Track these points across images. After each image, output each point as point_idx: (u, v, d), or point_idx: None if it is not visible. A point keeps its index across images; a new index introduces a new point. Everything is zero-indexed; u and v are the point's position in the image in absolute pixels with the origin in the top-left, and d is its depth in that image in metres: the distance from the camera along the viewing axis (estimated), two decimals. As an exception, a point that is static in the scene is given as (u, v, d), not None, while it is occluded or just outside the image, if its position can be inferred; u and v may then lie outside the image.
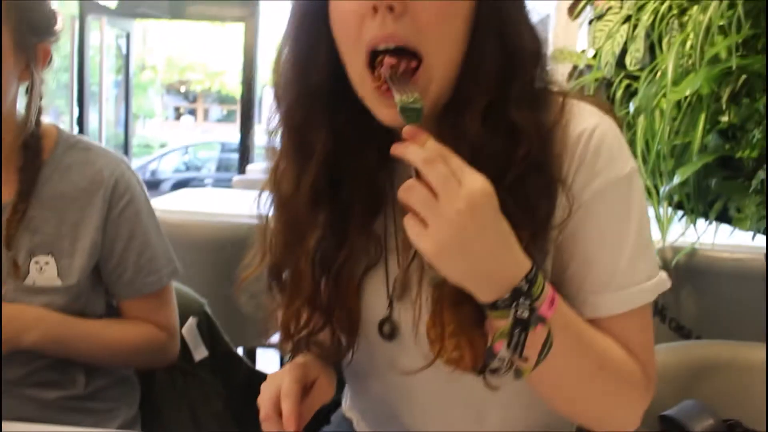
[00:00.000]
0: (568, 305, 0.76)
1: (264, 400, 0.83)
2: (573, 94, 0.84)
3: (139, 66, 14.75)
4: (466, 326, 0.75)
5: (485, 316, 0.72)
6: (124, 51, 7.37)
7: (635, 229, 0.80)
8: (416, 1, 0.73)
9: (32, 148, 1.16)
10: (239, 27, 6.84)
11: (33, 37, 1.13)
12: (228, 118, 18.75)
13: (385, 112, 0.77)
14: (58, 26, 1.17)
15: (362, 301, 0.88)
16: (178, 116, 20.29)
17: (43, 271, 1.15)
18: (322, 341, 0.92)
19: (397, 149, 0.69)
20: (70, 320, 1.17)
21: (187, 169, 11.76)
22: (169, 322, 1.27)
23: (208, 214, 2.61)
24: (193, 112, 20.39)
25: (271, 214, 0.89)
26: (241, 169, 6.36)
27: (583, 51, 2.04)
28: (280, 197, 0.87)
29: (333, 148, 0.82)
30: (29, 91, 1.15)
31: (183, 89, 18.72)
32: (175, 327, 1.28)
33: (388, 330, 0.88)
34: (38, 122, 1.18)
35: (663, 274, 0.83)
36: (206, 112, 20.31)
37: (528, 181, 0.76)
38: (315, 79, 0.81)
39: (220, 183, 9.72)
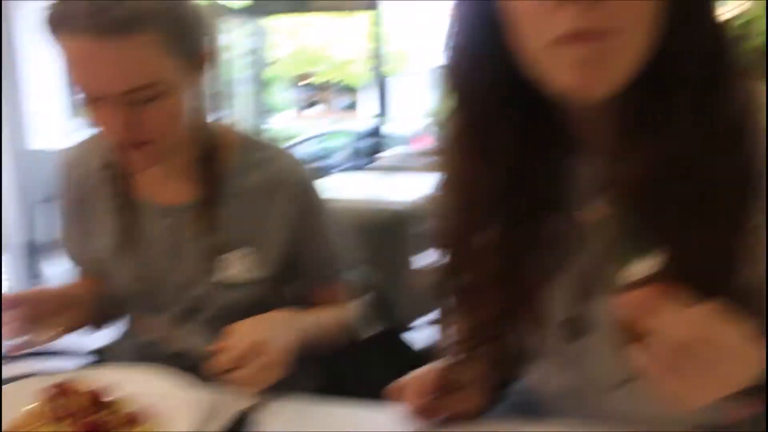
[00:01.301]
0: None
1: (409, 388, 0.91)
2: (749, 72, 0.74)
3: (268, 61, 15.22)
4: None
5: None
6: (254, 48, 7.66)
7: None
8: None
9: (210, 147, 1.19)
10: (363, 17, 6.94)
11: (195, 49, 1.09)
12: (353, 107, 19.01)
13: (570, 75, 0.68)
14: (209, 22, 1.13)
15: (547, 300, 0.86)
16: (306, 107, 20.80)
17: (236, 266, 1.18)
18: (496, 350, 0.90)
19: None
20: (305, 313, 1.20)
21: (322, 157, 12.02)
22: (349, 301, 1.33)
23: (354, 201, 2.67)
24: (319, 103, 20.82)
25: (444, 214, 0.86)
26: (374, 157, 6.47)
27: None
28: (461, 199, 0.83)
29: (517, 146, 0.78)
30: (198, 95, 1.14)
31: (309, 81, 19.15)
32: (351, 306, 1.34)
33: (576, 329, 0.86)
34: (209, 122, 1.21)
35: None
36: (332, 103, 20.69)
37: (739, 188, 0.69)
38: (492, 71, 0.76)
39: (353, 170, 9.86)
